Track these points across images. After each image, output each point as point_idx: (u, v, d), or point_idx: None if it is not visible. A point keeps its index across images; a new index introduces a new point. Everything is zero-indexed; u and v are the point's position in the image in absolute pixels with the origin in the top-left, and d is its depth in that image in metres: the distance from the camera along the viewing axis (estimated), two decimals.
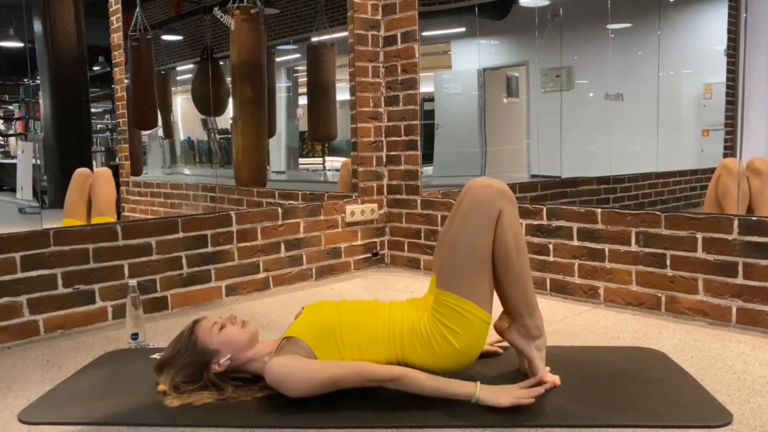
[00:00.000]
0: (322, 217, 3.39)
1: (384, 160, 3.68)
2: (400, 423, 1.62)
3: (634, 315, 2.60)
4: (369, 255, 3.63)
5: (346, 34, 3.58)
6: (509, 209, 1.79)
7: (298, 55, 4.50)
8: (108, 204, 3.26)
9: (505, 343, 1.97)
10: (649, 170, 3.21)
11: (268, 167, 3.98)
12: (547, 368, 1.87)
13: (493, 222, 1.75)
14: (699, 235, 2.47)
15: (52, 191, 3.18)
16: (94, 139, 3.61)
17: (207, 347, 1.75)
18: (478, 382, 1.66)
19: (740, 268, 2.37)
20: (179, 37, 4.18)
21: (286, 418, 1.66)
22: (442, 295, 1.75)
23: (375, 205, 3.64)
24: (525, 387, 1.70)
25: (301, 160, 4.66)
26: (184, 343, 1.78)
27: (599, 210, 2.77)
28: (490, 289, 1.79)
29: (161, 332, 2.50)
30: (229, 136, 3.95)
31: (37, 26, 3.20)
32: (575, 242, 2.84)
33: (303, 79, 4.36)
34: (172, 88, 4.09)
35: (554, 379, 1.82)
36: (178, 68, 4.14)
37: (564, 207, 2.90)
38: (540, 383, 1.74)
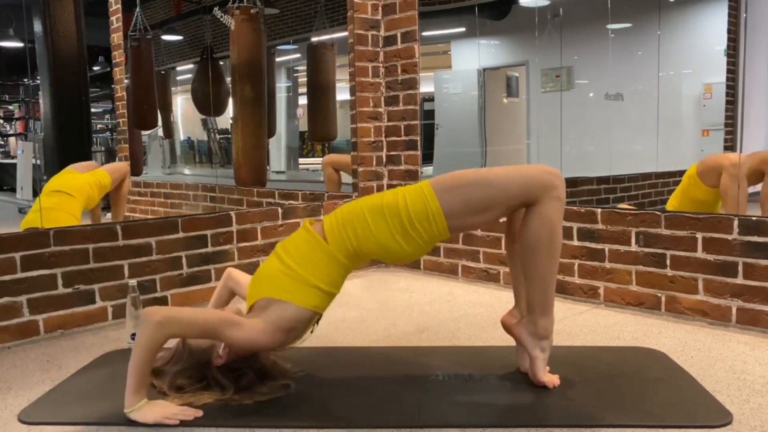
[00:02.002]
0: (322, 217, 3.39)
1: (384, 160, 3.68)
2: (400, 423, 1.62)
3: (634, 315, 2.60)
4: None
5: (346, 34, 3.58)
6: (553, 205, 1.72)
7: (298, 55, 4.50)
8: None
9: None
10: (649, 170, 3.21)
11: (268, 167, 3.98)
12: (547, 368, 1.87)
13: (525, 192, 1.71)
14: (699, 235, 2.47)
15: None
16: (94, 139, 3.61)
17: (201, 346, 1.76)
18: (145, 399, 1.63)
19: (740, 268, 2.37)
20: (179, 37, 4.18)
21: (286, 418, 1.66)
22: (428, 195, 1.72)
23: None
24: (180, 410, 1.66)
25: (301, 160, 4.67)
26: (179, 352, 1.79)
27: (599, 210, 2.77)
28: (466, 226, 1.78)
29: None
30: (229, 136, 3.95)
31: (37, 26, 3.20)
32: (575, 242, 2.84)
33: (303, 79, 4.36)
34: (172, 88, 4.09)
35: (554, 379, 1.82)
36: (178, 68, 4.14)
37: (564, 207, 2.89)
38: None
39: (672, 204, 2.89)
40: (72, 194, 3.06)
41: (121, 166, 3.42)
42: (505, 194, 1.72)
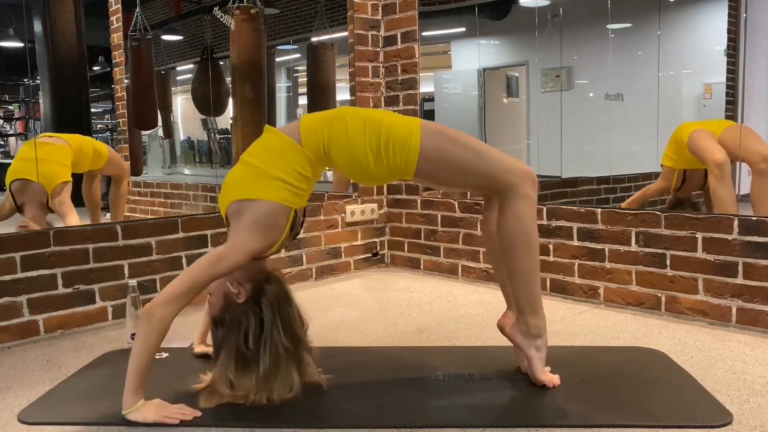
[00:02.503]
0: (322, 217, 3.39)
1: None
2: (400, 423, 1.62)
3: (634, 315, 2.60)
4: (369, 255, 3.63)
5: (346, 34, 3.58)
6: (524, 203, 1.73)
7: (298, 55, 4.50)
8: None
9: None
10: (649, 170, 3.21)
11: None
12: (548, 368, 1.87)
13: (499, 175, 1.72)
14: (699, 235, 2.47)
15: None
16: (94, 139, 3.61)
17: (220, 300, 1.76)
18: (143, 399, 1.63)
19: (740, 268, 2.37)
20: (179, 37, 4.18)
21: (286, 418, 1.66)
22: (414, 128, 1.71)
23: (375, 205, 3.64)
24: (177, 409, 1.66)
25: None
26: (219, 303, 1.78)
27: (599, 210, 2.77)
28: (432, 177, 1.78)
29: None
30: (229, 136, 3.95)
31: (37, 26, 3.20)
32: (575, 242, 2.84)
33: (303, 79, 4.36)
34: (172, 88, 4.09)
35: (554, 378, 1.82)
36: (178, 68, 4.14)
37: (564, 207, 2.90)
38: None
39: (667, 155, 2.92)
40: (64, 142, 3.00)
41: (123, 162, 3.41)
42: (482, 166, 1.73)
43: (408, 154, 1.69)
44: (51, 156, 2.93)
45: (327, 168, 1.83)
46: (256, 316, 1.73)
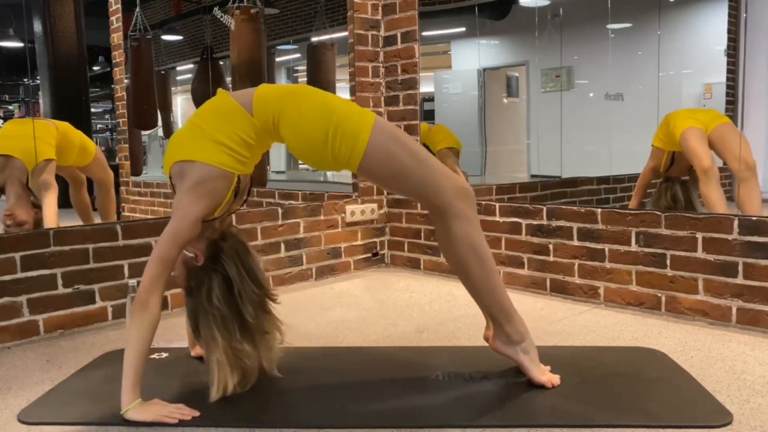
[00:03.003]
0: (322, 217, 3.39)
1: None
2: (400, 423, 1.62)
3: (634, 315, 2.60)
4: (369, 255, 3.63)
5: (346, 34, 3.58)
6: (461, 225, 1.73)
7: (298, 55, 4.50)
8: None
9: None
10: None
11: (267, 167, 3.98)
12: (548, 367, 1.87)
13: (437, 190, 1.72)
14: (699, 235, 2.47)
15: None
16: (94, 139, 3.61)
17: (182, 266, 1.79)
18: (140, 399, 1.62)
19: (740, 268, 2.37)
20: (179, 37, 4.18)
21: (286, 418, 1.66)
22: (367, 123, 1.70)
23: (375, 205, 3.64)
24: (176, 408, 1.66)
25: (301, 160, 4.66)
26: (183, 271, 1.80)
27: (599, 210, 2.77)
28: (373, 175, 1.79)
29: (161, 332, 2.49)
30: None
31: (37, 26, 3.20)
32: (575, 242, 2.84)
33: (303, 79, 4.36)
34: (172, 88, 4.09)
35: (553, 378, 1.82)
36: (178, 68, 4.14)
37: (564, 207, 2.90)
38: None
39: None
40: (49, 122, 2.93)
41: (108, 168, 3.27)
42: (422, 177, 1.72)
43: (354, 147, 1.68)
44: (34, 132, 2.84)
45: (276, 141, 1.82)
46: (219, 273, 1.73)
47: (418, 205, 3.52)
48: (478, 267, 1.76)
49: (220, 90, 1.81)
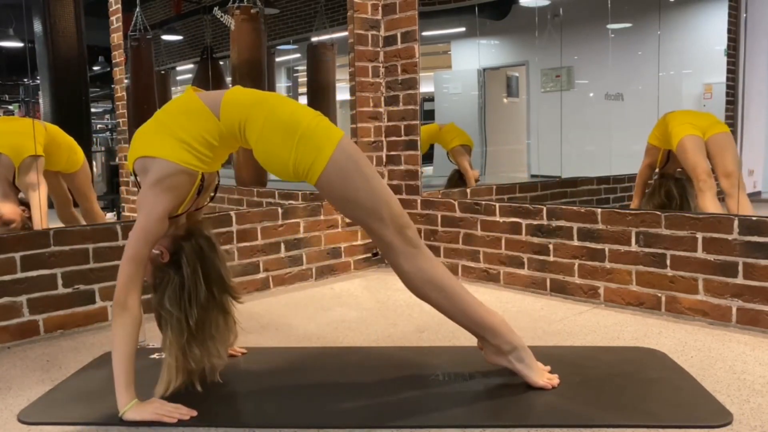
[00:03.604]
0: (322, 217, 3.39)
1: (384, 160, 3.68)
2: (400, 423, 1.62)
3: (634, 315, 2.60)
4: (369, 255, 3.63)
5: (346, 34, 3.58)
6: (410, 259, 1.73)
7: (298, 55, 4.50)
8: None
9: None
10: None
11: None
12: (548, 367, 1.87)
13: (381, 219, 1.71)
14: (699, 235, 2.47)
15: None
16: (94, 139, 3.61)
17: (149, 263, 1.76)
18: (136, 399, 1.63)
19: (740, 268, 2.37)
20: (179, 37, 4.19)
21: (285, 418, 1.66)
22: (333, 140, 1.68)
23: None
24: (174, 408, 1.66)
25: None
26: (153, 275, 1.79)
27: (599, 210, 2.77)
28: (327, 194, 1.76)
29: (159, 332, 2.49)
30: None
31: (37, 26, 3.20)
32: (575, 242, 2.84)
33: (303, 79, 4.36)
34: (172, 88, 4.09)
35: (552, 379, 1.82)
36: (178, 68, 4.15)
37: (564, 207, 2.90)
38: None
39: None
40: (41, 124, 2.88)
41: (91, 185, 3.20)
42: (371, 208, 1.71)
43: (315, 160, 1.66)
44: (21, 129, 2.80)
45: (242, 145, 1.81)
46: (177, 273, 1.73)
47: (419, 205, 3.52)
48: (441, 297, 1.76)
49: (188, 88, 1.81)
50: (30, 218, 2.73)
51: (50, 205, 2.87)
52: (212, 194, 1.90)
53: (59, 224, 2.72)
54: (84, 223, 3.06)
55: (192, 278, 1.73)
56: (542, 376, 1.82)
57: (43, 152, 2.80)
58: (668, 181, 2.92)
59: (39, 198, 2.71)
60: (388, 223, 1.72)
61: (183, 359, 1.73)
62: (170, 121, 1.72)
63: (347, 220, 3.49)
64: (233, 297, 1.83)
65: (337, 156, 1.67)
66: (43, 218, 2.73)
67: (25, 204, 2.78)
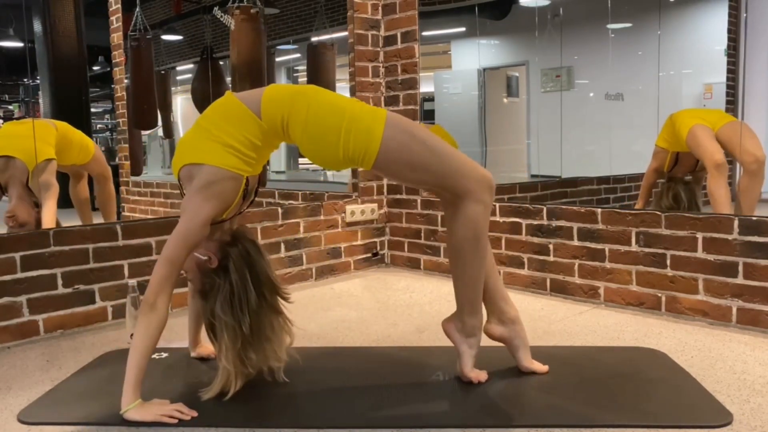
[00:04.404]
0: (322, 217, 3.39)
1: None
2: (400, 423, 1.62)
3: (634, 315, 2.60)
4: (369, 255, 3.63)
5: (346, 34, 3.58)
6: (478, 208, 1.71)
7: (298, 55, 4.50)
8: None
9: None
10: None
11: (267, 167, 3.98)
12: (546, 367, 1.89)
13: (458, 177, 1.71)
14: (699, 235, 2.47)
15: None
16: (94, 139, 3.61)
17: (196, 269, 1.78)
18: (140, 400, 1.63)
19: (740, 268, 2.37)
20: (179, 37, 4.18)
21: (286, 418, 1.66)
22: (380, 119, 1.69)
23: (375, 205, 3.64)
24: (177, 408, 1.66)
25: (301, 160, 4.66)
26: (197, 276, 1.79)
27: (599, 210, 2.77)
28: (390, 172, 1.79)
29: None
30: None
31: (37, 26, 3.20)
32: (575, 242, 2.84)
33: (303, 79, 4.36)
34: (172, 88, 4.09)
35: (480, 375, 1.84)
36: (178, 68, 4.15)
37: (564, 207, 2.90)
38: None
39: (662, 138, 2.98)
40: (49, 122, 2.93)
41: (107, 165, 3.28)
42: (440, 166, 1.71)
43: (369, 145, 1.67)
44: (33, 132, 2.84)
45: (284, 141, 1.82)
46: (225, 280, 1.73)
47: (419, 205, 3.52)
48: (473, 255, 1.76)
49: (228, 92, 1.81)
50: (42, 218, 2.78)
51: (62, 206, 2.91)
52: (253, 198, 1.90)
53: (68, 223, 2.74)
54: (89, 205, 3.14)
55: (241, 284, 1.73)
56: (473, 370, 1.85)
57: (55, 154, 2.85)
58: (676, 185, 2.90)
59: (50, 202, 2.77)
60: (467, 172, 1.71)
61: (241, 365, 1.73)
62: (213, 127, 1.72)
63: (347, 220, 3.49)
64: (283, 297, 1.83)
65: (389, 132, 1.67)
66: (51, 221, 2.77)
67: (38, 205, 2.81)
